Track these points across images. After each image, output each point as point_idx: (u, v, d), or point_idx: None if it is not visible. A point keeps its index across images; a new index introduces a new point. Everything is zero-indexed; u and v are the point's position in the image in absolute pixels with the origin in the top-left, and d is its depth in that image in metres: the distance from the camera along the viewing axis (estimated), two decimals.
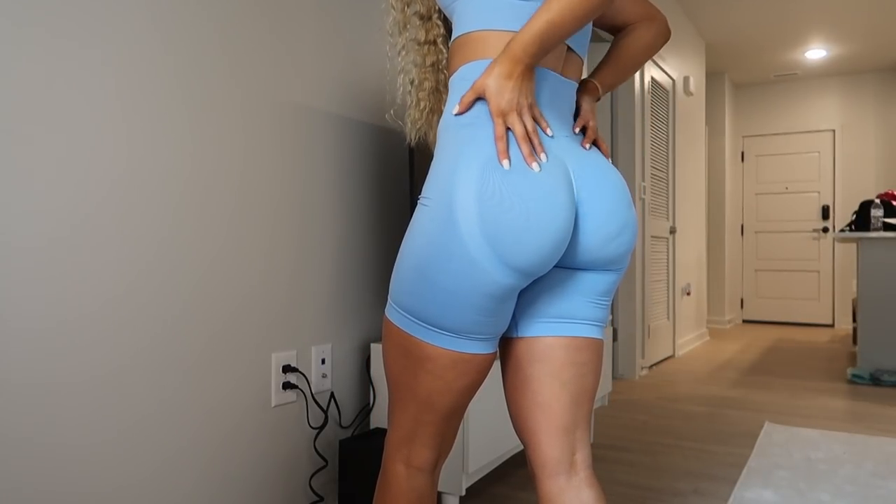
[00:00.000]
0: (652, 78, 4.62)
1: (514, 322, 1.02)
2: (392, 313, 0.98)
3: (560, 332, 1.00)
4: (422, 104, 1.15)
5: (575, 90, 1.04)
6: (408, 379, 0.99)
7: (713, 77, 7.00)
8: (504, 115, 0.90)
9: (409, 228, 0.95)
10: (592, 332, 1.02)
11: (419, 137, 1.17)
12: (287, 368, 1.73)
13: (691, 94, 5.44)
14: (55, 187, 1.24)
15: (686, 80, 5.34)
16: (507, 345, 1.04)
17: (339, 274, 1.92)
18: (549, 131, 0.96)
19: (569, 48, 1.01)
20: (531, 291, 1.01)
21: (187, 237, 1.49)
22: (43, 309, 1.22)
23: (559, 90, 1.00)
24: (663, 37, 1.15)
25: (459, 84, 0.98)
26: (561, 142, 0.96)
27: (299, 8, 1.79)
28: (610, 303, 1.05)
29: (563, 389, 0.99)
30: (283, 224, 1.74)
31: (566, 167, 0.94)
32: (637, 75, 4.28)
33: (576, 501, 0.98)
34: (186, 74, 1.49)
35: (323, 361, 1.85)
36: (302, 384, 1.80)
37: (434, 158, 0.96)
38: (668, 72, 4.93)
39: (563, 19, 0.88)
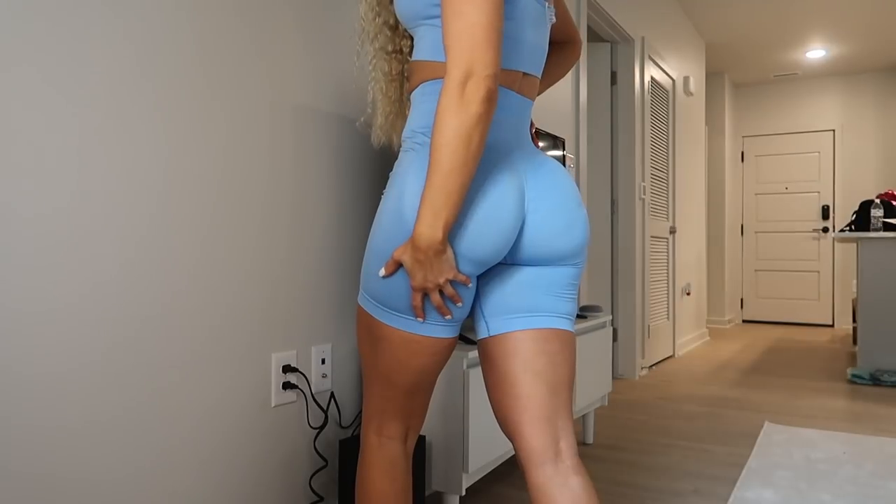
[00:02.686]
0: (652, 78, 4.62)
1: (485, 322, 1.10)
2: (361, 297, 1.10)
3: (527, 325, 1.07)
4: (387, 109, 1.24)
5: (531, 107, 1.14)
6: (372, 358, 1.10)
7: (713, 77, 7.00)
8: (420, 290, 0.99)
9: (374, 224, 1.07)
10: (559, 324, 1.08)
11: (382, 141, 1.27)
12: (287, 368, 1.74)
13: (691, 94, 5.44)
14: (55, 186, 1.24)
15: (686, 80, 5.34)
16: (482, 345, 1.11)
17: (338, 274, 1.92)
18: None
19: (524, 73, 1.11)
20: (497, 291, 1.09)
21: (186, 237, 1.49)
22: (41, 308, 1.22)
23: (516, 107, 1.10)
24: (578, 57, 1.38)
25: (420, 99, 1.09)
26: (518, 154, 1.07)
27: (297, 7, 1.79)
28: (575, 296, 1.13)
29: (538, 379, 1.05)
30: (282, 224, 1.74)
31: (520, 176, 1.04)
32: (637, 75, 4.28)
33: (564, 489, 1.02)
34: (183, 75, 1.49)
35: (323, 361, 1.85)
36: (302, 384, 1.80)
37: (396, 161, 1.07)
38: (668, 72, 4.93)
39: (444, 195, 0.92)
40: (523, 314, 1.07)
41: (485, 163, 1.01)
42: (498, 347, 1.08)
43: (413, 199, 0.99)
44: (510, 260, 1.08)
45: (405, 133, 1.09)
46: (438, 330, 1.06)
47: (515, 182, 1.03)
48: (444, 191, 0.91)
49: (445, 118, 0.91)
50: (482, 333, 1.10)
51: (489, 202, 1.00)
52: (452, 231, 0.98)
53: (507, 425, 1.08)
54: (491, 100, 0.91)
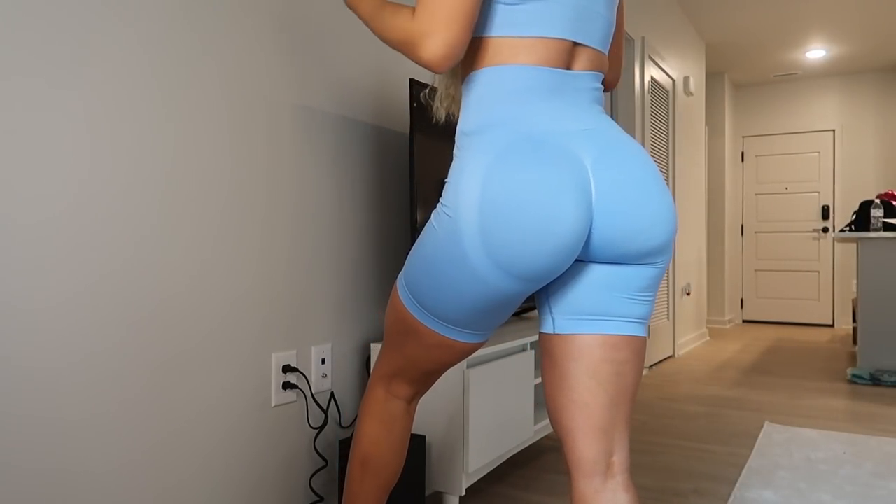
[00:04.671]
0: (652, 78, 4.62)
1: (551, 318, 1.01)
2: (401, 289, 1.07)
3: (596, 329, 0.97)
4: (446, 81, 1.17)
5: (593, 80, 1.01)
6: (400, 340, 1.11)
7: (713, 77, 7.00)
8: None
9: (427, 224, 1.01)
10: (632, 330, 0.98)
11: (441, 115, 1.19)
12: (287, 368, 1.73)
13: (691, 94, 5.44)
14: (56, 185, 1.24)
15: (686, 80, 5.33)
16: (544, 339, 1.03)
17: (338, 274, 1.92)
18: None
19: (574, 43, 0.99)
20: (567, 287, 0.99)
21: (187, 237, 1.49)
22: (40, 307, 1.22)
23: (565, 83, 0.97)
24: (615, 85, 1.21)
25: (466, 90, 1.00)
26: (577, 135, 0.93)
27: (297, 7, 1.79)
28: (653, 298, 1.02)
29: (600, 388, 0.98)
30: (282, 224, 1.74)
31: (581, 162, 0.91)
32: (637, 75, 4.28)
33: None
34: (185, 74, 1.49)
35: (323, 361, 1.85)
36: (302, 384, 1.80)
37: (452, 166, 0.99)
38: (668, 72, 4.93)
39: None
40: (594, 317, 0.98)
41: (522, 159, 0.89)
42: (562, 347, 1.00)
43: (469, 204, 0.90)
44: (584, 257, 0.97)
45: (457, 132, 1.01)
46: (475, 337, 1.05)
47: (573, 179, 0.89)
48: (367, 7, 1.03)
49: (396, 27, 0.95)
50: (547, 328, 1.02)
51: (536, 210, 0.87)
52: (489, 240, 0.90)
53: (559, 428, 1.02)
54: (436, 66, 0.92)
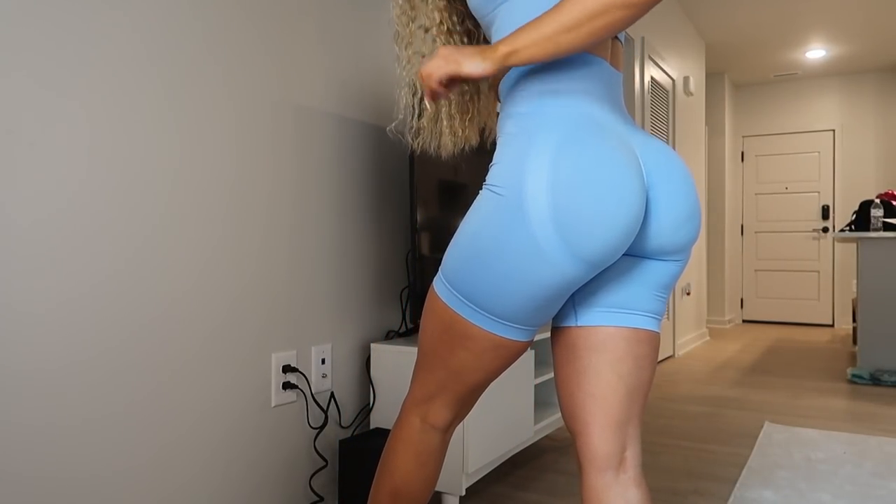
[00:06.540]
0: (652, 78, 4.62)
1: (573, 310, 1.01)
2: (441, 289, 1.00)
3: (622, 322, 0.98)
4: (429, 113, 1.16)
5: (621, 81, 1.04)
6: (443, 350, 1.02)
7: (713, 77, 7.00)
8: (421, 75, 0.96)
9: (472, 211, 0.96)
10: (653, 325, 1.00)
11: (423, 145, 1.18)
12: (287, 368, 1.73)
13: (691, 94, 5.44)
14: (57, 185, 1.24)
15: (686, 80, 5.33)
16: (563, 333, 1.02)
17: (338, 274, 1.92)
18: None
19: (614, 36, 1.01)
20: (594, 280, 0.99)
21: (188, 237, 1.49)
22: (41, 308, 1.22)
23: (612, 80, 1.00)
24: None
25: (511, 84, 1.00)
26: (624, 125, 0.97)
27: (298, 7, 1.79)
28: (668, 297, 1.03)
29: (621, 382, 0.98)
30: (283, 224, 1.74)
31: (635, 153, 0.93)
32: (637, 75, 4.28)
33: (621, 499, 0.97)
34: (185, 74, 1.49)
35: (323, 361, 1.85)
36: (302, 384, 1.80)
37: (499, 147, 0.96)
38: (668, 72, 4.93)
39: (535, 31, 0.88)
40: (619, 310, 0.98)
41: (591, 138, 0.90)
42: (584, 340, 0.99)
43: (537, 182, 0.87)
44: None
45: (503, 114, 0.99)
46: (527, 334, 0.99)
47: (633, 159, 0.91)
48: (538, 30, 0.85)
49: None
50: (568, 321, 1.01)
51: (609, 182, 0.87)
52: (560, 219, 0.87)
53: (575, 422, 1.00)
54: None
